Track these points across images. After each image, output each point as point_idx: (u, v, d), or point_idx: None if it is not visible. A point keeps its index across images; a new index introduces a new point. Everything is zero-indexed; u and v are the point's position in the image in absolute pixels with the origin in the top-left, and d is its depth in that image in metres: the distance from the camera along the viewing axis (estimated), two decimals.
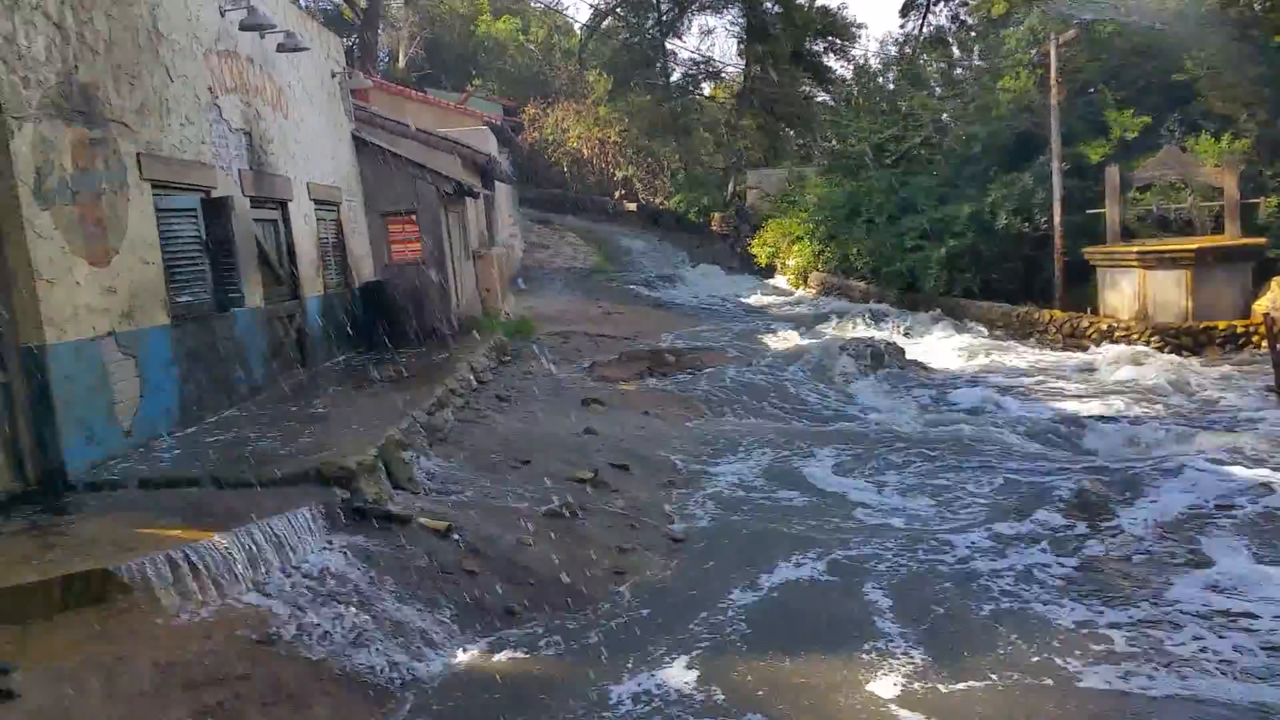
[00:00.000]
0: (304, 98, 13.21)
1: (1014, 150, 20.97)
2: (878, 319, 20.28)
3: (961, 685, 5.51)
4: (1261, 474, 9.07)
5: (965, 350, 17.48)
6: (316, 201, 13.11)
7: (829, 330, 20.29)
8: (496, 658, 5.98)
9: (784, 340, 19.21)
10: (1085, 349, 16.91)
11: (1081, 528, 8.11)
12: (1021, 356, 16.91)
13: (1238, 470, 9.27)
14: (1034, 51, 20.20)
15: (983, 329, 19.37)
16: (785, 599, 6.95)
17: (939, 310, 20.81)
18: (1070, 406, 13.06)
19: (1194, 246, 16.13)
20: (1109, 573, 7.16)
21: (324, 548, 6.33)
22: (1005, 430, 11.73)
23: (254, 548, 5.84)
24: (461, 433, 10.08)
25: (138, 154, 8.23)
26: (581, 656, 6.05)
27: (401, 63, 39.97)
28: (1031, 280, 19.65)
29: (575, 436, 10.76)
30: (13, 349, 6.48)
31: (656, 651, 6.07)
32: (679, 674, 5.78)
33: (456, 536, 7.26)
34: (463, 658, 5.95)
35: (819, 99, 37.54)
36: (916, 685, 5.53)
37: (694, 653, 6.05)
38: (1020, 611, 6.52)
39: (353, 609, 5.87)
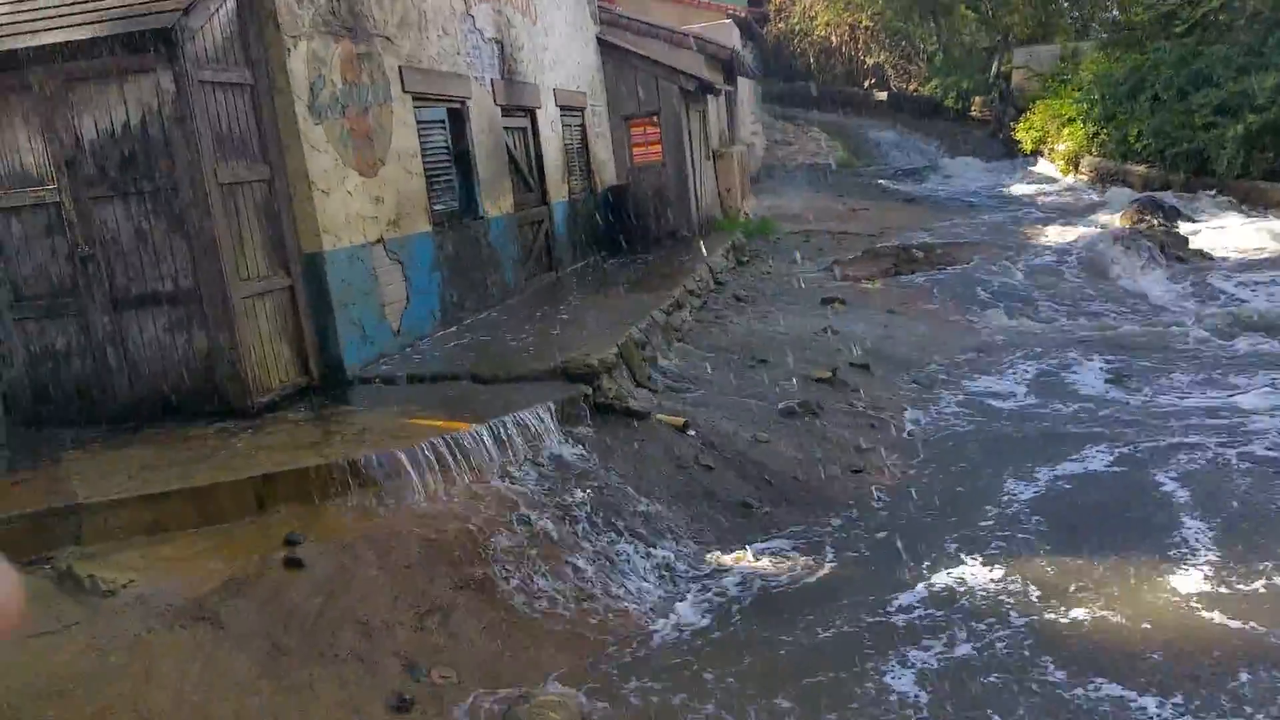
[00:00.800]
0: (551, 3, 13.47)
1: None
2: (1160, 206, 18.19)
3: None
4: None
5: (1264, 239, 15.41)
6: (562, 108, 13.47)
7: (1102, 220, 18.52)
8: (756, 560, 6.08)
9: (1048, 233, 17.76)
10: None
11: None
12: None
13: None
14: None
15: None
16: (1065, 494, 6.62)
17: (1234, 195, 18.39)
18: None
19: None
20: None
21: (567, 440, 6.70)
22: None
23: (507, 439, 6.29)
24: (699, 332, 10.23)
25: (399, 67, 8.77)
26: (856, 559, 6.03)
27: None
28: None
29: (814, 336, 10.61)
30: (295, 255, 7.23)
31: (944, 549, 5.96)
32: (977, 571, 5.62)
33: (693, 432, 7.45)
34: (714, 556, 6.12)
35: None
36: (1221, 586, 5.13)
37: (988, 550, 5.88)
38: None
39: (593, 496, 6.20)
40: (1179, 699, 4.22)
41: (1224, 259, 14.46)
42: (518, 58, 12.00)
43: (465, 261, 9.84)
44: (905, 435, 8.17)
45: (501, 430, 6.27)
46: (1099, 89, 22.86)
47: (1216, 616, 4.87)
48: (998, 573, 5.56)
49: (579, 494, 6.18)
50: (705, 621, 5.29)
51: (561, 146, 13.33)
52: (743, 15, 26.64)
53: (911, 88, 37.36)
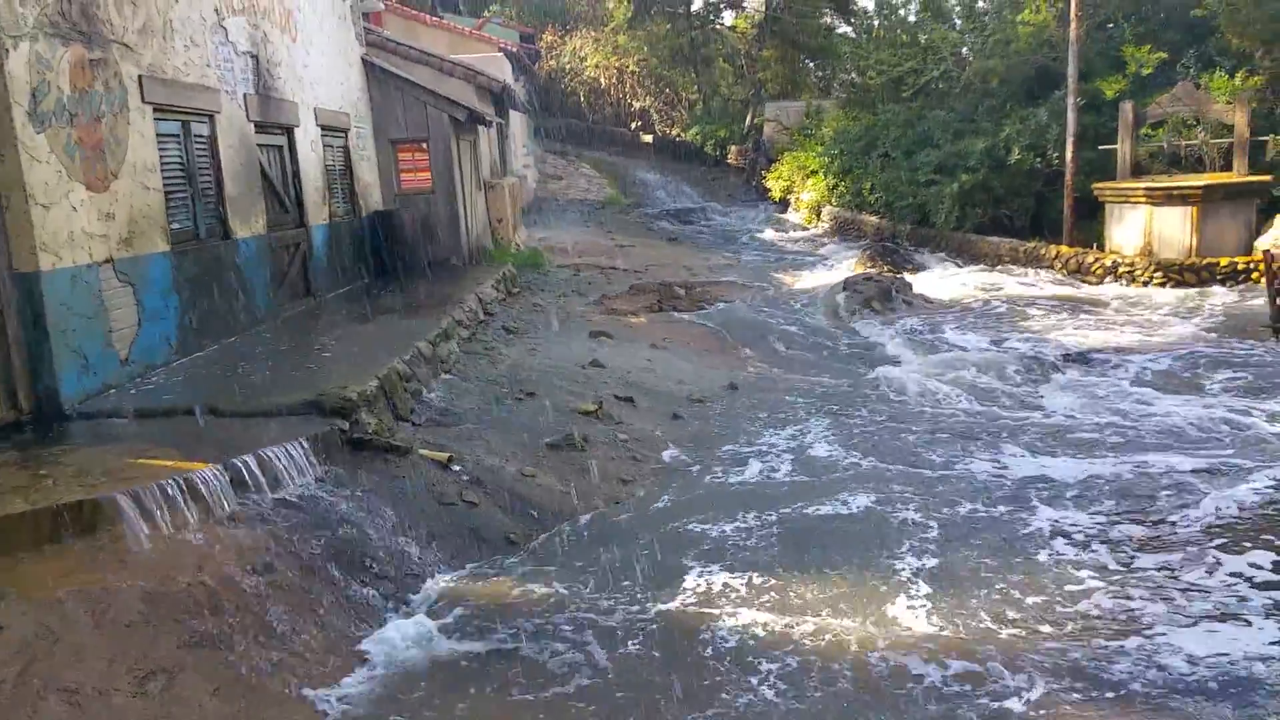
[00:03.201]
0: (314, 21, 12.95)
1: (1031, 85, 20.51)
2: (891, 253, 20.04)
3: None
4: None
5: (971, 285, 17.40)
6: (324, 128, 12.94)
7: (840, 265, 20.10)
8: (493, 580, 6.02)
9: (793, 276, 19.06)
10: (1090, 284, 16.91)
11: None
12: (1026, 290, 16.82)
13: None
14: None
15: (991, 264, 19.23)
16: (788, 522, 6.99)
17: (950, 246, 20.61)
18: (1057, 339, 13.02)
19: (1202, 183, 15.90)
20: None
21: (320, 479, 6.35)
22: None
23: (249, 478, 5.87)
24: (467, 364, 10.07)
25: (139, 76, 8.09)
26: (585, 572, 6.09)
27: None
28: (1041, 216, 19.46)
29: (581, 369, 10.74)
30: (4, 275, 6.44)
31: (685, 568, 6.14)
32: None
33: (458, 468, 7.30)
34: (456, 584, 6.00)
35: (840, 30, 36.60)
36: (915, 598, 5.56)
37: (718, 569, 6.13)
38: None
39: (346, 539, 5.90)
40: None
41: (940, 302, 16.09)
42: (275, 73, 11.42)
43: (208, 285, 9.16)
44: (663, 465, 8.40)
45: (243, 469, 5.85)
46: (838, 145, 24.90)
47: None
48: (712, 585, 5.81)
49: (331, 536, 5.86)
50: (459, 655, 5.14)
51: (323, 168, 12.79)
52: (514, 50, 26.84)
53: (675, 132, 39.07)
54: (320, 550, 5.73)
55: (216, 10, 9.88)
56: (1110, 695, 4.65)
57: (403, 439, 7.32)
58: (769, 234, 25.66)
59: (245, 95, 10.50)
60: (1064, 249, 18.12)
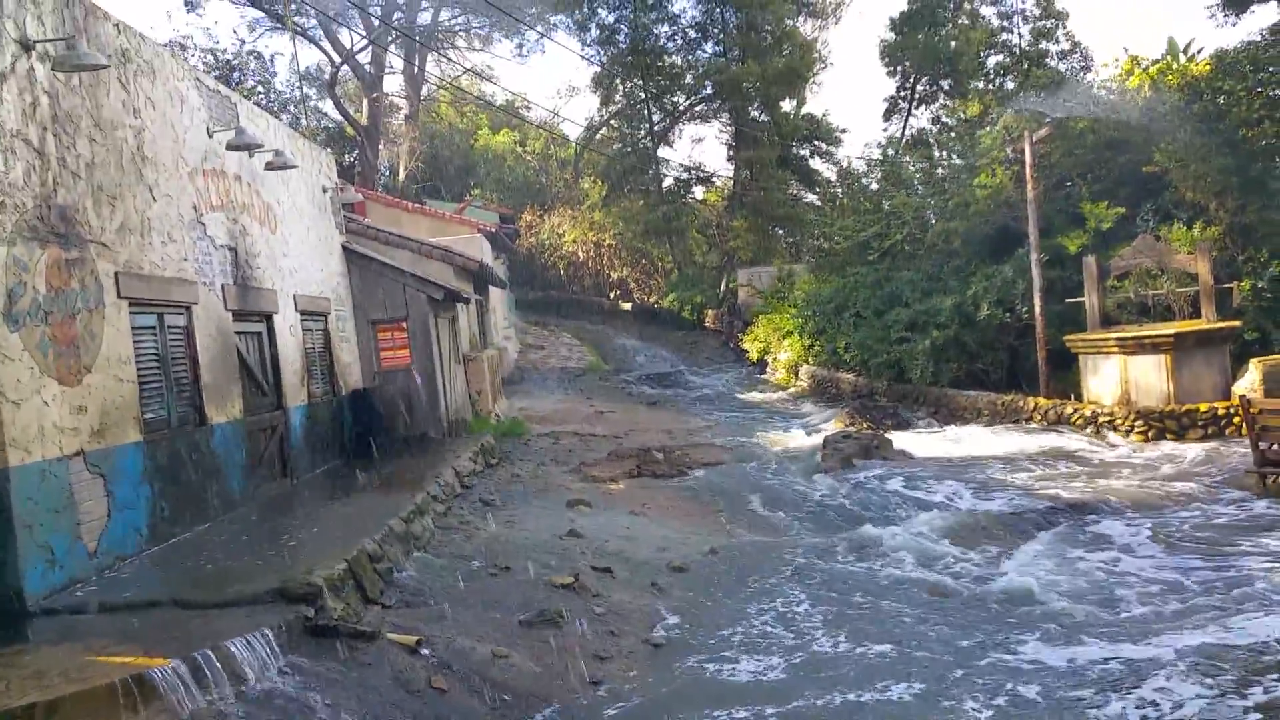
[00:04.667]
0: (293, 213, 13.50)
1: (994, 243, 21.36)
2: (867, 411, 20.27)
3: None
4: None
5: (951, 440, 17.49)
6: (303, 313, 13.26)
7: (819, 423, 20.27)
8: None
9: (773, 437, 19.18)
10: (1069, 433, 17.05)
11: None
12: (1007, 444, 16.88)
13: None
14: (1009, 149, 20.72)
15: (971, 417, 19.42)
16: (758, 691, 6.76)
17: (927, 400, 20.88)
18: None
19: (1172, 331, 16.29)
20: None
21: (283, 670, 6.17)
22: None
23: (209, 673, 5.70)
24: (442, 540, 9.96)
25: (116, 273, 8.36)
26: None
27: (402, 176, 41.03)
28: (1016, 369, 19.81)
29: (558, 540, 10.62)
30: None
31: None
32: None
33: (427, 651, 7.11)
34: None
35: (806, 199, 38.37)
36: None
37: None
38: None
39: None
40: None
41: (921, 459, 16.14)
42: (253, 264, 11.81)
43: (182, 472, 9.16)
44: (642, 641, 8.20)
45: (203, 664, 5.69)
46: (810, 306, 25.64)
47: None
48: None
49: None
50: None
51: (301, 351, 13.03)
52: (493, 230, 27.91)
53: (652, 299, 40.16)
54: None
55: (195, 207, 10.31)
56: None
57: (370, 623, 7.15)
58: (747, 395, 25.97)
59: (223, 286, 10.82)
60: (1042, 401, 18.37)
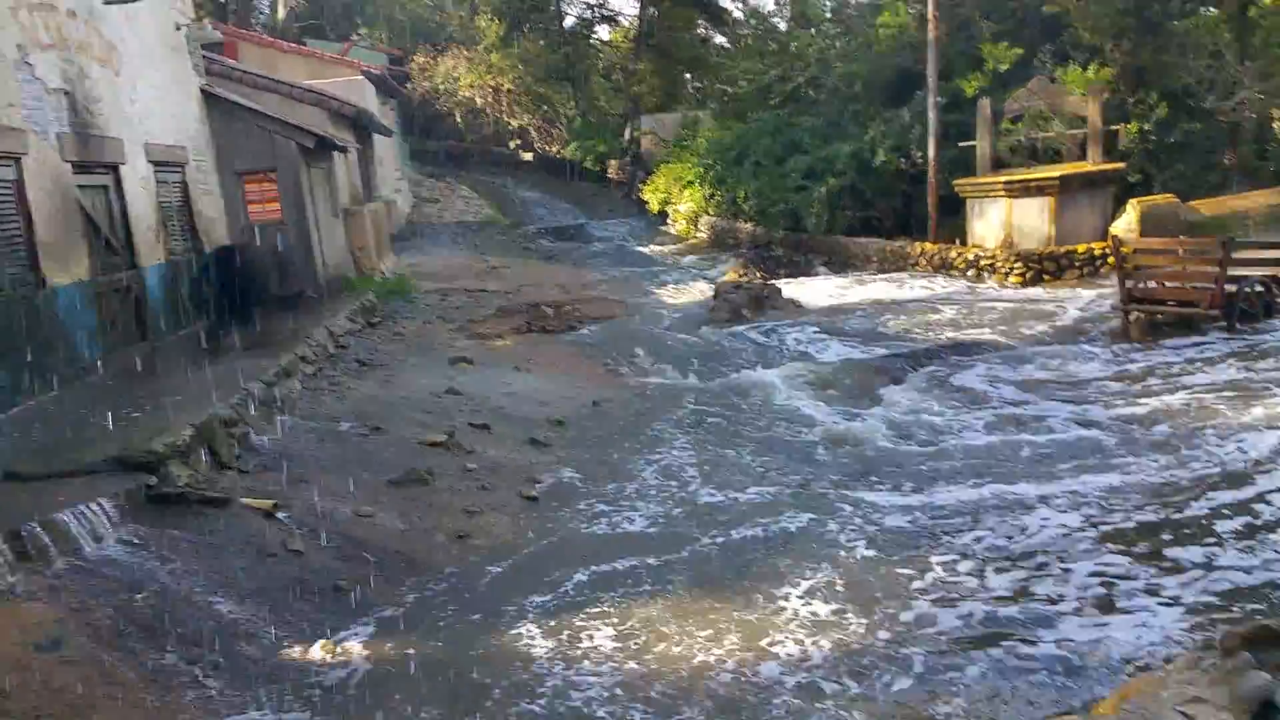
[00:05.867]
0: (141, 53, 12.28)
1: (895, 87, 21.01)
2: (763, 260, 20.26)
3: None
4: None
5: (841, 287, 17.69)
6: (157, 164, 12.29)
7: (715, 274, 20.21)
8: (337, 650, 5.66)
9: (668, 288, 19.08)
10: (954, 278, 17.37)
11: None
12: (892, 291, 17.14)
13: None
14: None
15: (862, 265, 19.61)
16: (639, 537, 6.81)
17: (821, 249, 20.95)
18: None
19: (1058, 174, 16.45)
20: None
21: (123, 540, 5.91)
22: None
23: (35, 547, 5.40)
24: (310, 403, 9.65)
25: None
26: (430, 633, 5.78)
27: (281, 14, 37.99)
28: (909, 216, 19.91)
29: (436, 398, 10.40)
30: None
31: (506, 615, 5.87)
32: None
33: (284, 515, 6.92)
34: (287, 651, 5.62)
35: (715, 41, 37.04)
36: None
37: (566, 608, 5.87)
38: None
39: (147, 604, 5.48)
40: None
41: (811, 307, 16.28)
42: (95, 111, 10.77)
43: (17, 338, 8.53)
44: (516, 494, 8.16)
45: (28, 537, 5.38)
46: (711, 155, 25.12)
47: None
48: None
49: (129, 603, 5.43)
50: None
51: (156, 205, 12.14)
52: (378, 72, 26.29)
53: (554, 150, 38.90)
54: (114, 619, 5.30)
55: (19, 46, 9.25)
56: None
57: (224, 489, 6.91)
58: (647, 247, 25.70)
59: (59, 135, 9.85)
60: (929, 246, 18.58)
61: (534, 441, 9.51)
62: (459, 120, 40.80)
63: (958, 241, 18.24)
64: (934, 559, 6.17)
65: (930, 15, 17.90)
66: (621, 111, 37.34)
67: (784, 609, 5.60)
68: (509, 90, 38.84)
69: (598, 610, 5.80)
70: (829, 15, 25.87)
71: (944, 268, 17.97)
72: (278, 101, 16.46)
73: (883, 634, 5.26)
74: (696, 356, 13.54)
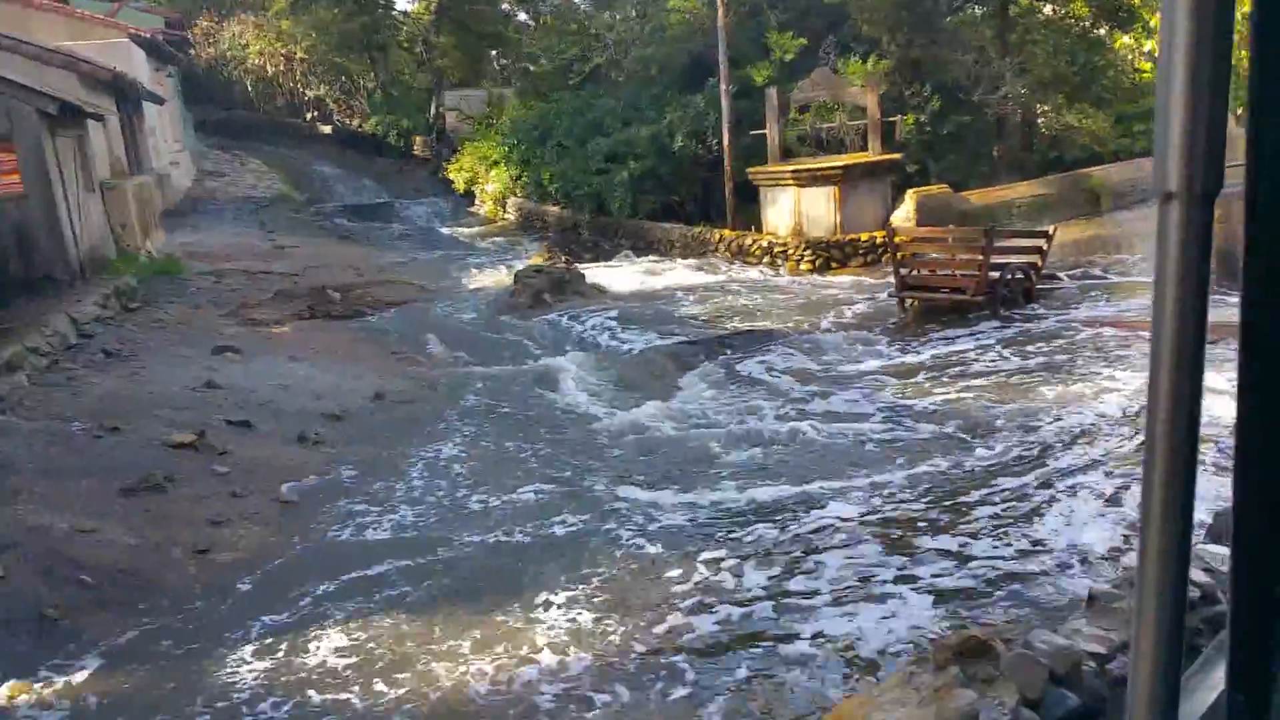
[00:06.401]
0: None
1: (691, 72, 21.14)
2: (568, 244, 20.03)
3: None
4: None
5: (643, 272, 17.70)
6: None
7: (520, 258, 19.78)
8: (32, 690, 4.94)
9: (469, 271, 18.53)
10: (750, 265, 17.73)
11: None
12: (692, 276, 17.32)
13: None
14: None
15: (665, 250, 19.73)
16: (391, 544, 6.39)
17: (626, 233, 20.92)
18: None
19: (841, 164, 17.03)
20: None
21: None
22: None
23: None
24: (39, 400, 8.61)
25: None
26: (145, 667, 5.15)
27: None
28: (710, 202, 20.12)
29: (192, 392, 9.53)
30: None
31: (268, 630, 5.32)
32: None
33: None
34: None
35: (520, 18, 36.29)
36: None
37: (311, 626, 5.38)
38: None
39: None
40: None
41: (612, 292, 16.17)
42: None
43: None
44: (271, 499, 7.53)
45: None
46: (515, 134, 24.57)
47: None
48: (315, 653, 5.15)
49: None
50: None
51: None
52: (149, 35, 24.09)
53: (355, 123, 37.13)
54: None
55: None
56: None
57: None
58: (452, 228, 24.91)
59: None
60: (727, 233, 18.86)
61: (302, 439, 8.86)
62: (250, 89, 38.27)
63: (754, 229, 18.61)
64: (703, 558, 6.08)
65: (720, 1, 18.08)
66: (427, 86, 36.03)
67: (545, 618, 5.35)
68: (302, 59, 36.74)
69: (337, 626, 5.36)
70: None
71: (741, 254, 18.29)
72: (21, 63, 14.71)
73: (645, 640, 5.11)
74: (492, 344, 13.15)
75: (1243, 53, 0.55)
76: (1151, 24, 19.83)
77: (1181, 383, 0.57)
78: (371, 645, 5.14)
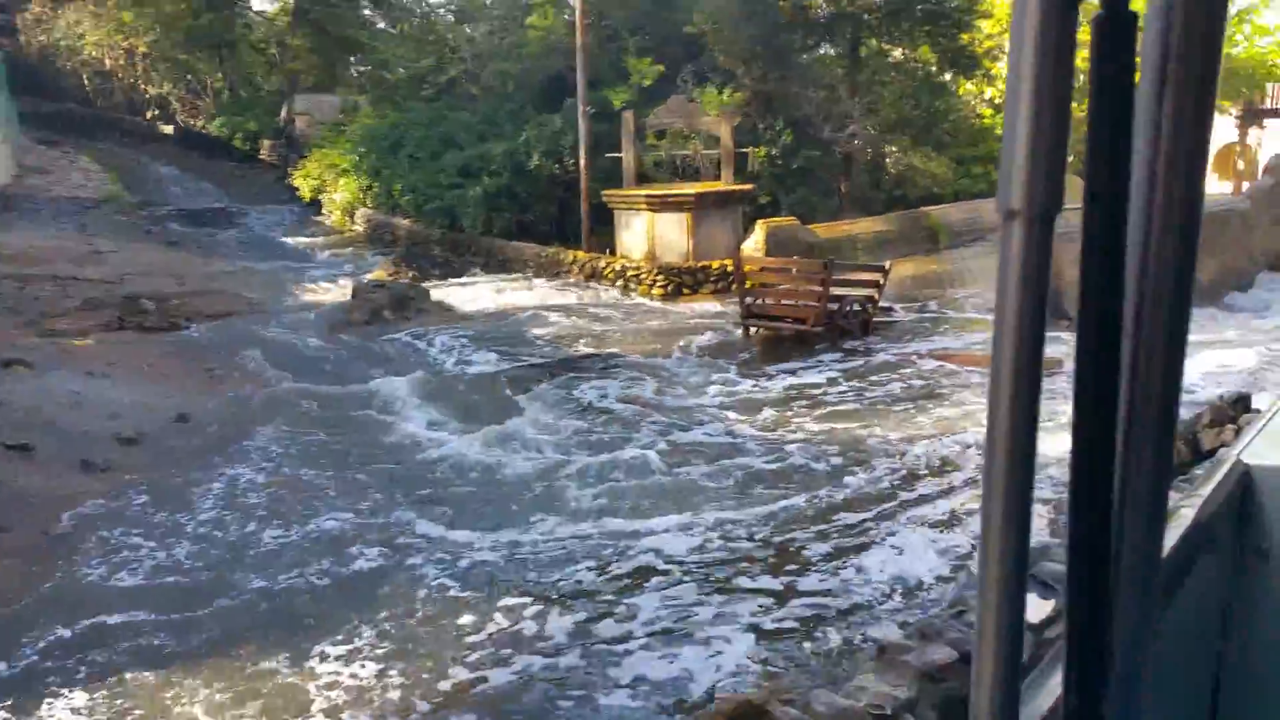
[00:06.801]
0: None
1: (549, 90, 20.93)
2: (416, 259, 19.39)
3: None
4: None
5: (493, 292, 17.28)
6: None
7: (365, 272, 19.00)
8: None
9: (308, 284, 17.65)
10: (604, 287, 17.57)
11: None
12: (544, 297, 17.01)
13: None
14: None
15: (519, 269, 19.36)
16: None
17: (479, 250, 20.45)
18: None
19: (694, 191, 17.12)
20: None
21: None
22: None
23: None
24: None
25: None
26: None
27: None
28: (566, 222, 19.88)
29: None
30: None
31: None
32: None
33: None
34: None
35: (381, 25, 35.31)
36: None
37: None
38: None
39: None
40: None
41: (459, 311, 15.67)
42: None
43: None
44: (42, 533, 6.75)
45: None
46: (366, 143, 23.73)
47: None
48: None
49: None
50: None
51: None
52: None
53: (200, 124, 35.25)
54: None
55: None
56: None
57: None
58: (295, 238, 23.76)
59: None
60: (581, 255, 18.64)
61: (87, 465, 8.07)
62: (86, 83, 35.83)
63: (609, 251, 18.47)
64: (507, 603, 5.73)
65: (579, 22, 17.96)
66: (278, 89, 34.56)
67: (321, 671, 4.88)
68: (144, 54, 34.67)
69: (73, 684, 4.74)
70: (495, 11, 25.27)
71: (595, 277, 18.10)
72: None
73: (430, 695, 4.71)
74: (321, 362, 12.46)
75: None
76: (993, 72, 20.91)
77: (1022, 384, 0.59)
78: (108, 707, 4.55)
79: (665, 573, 6.30)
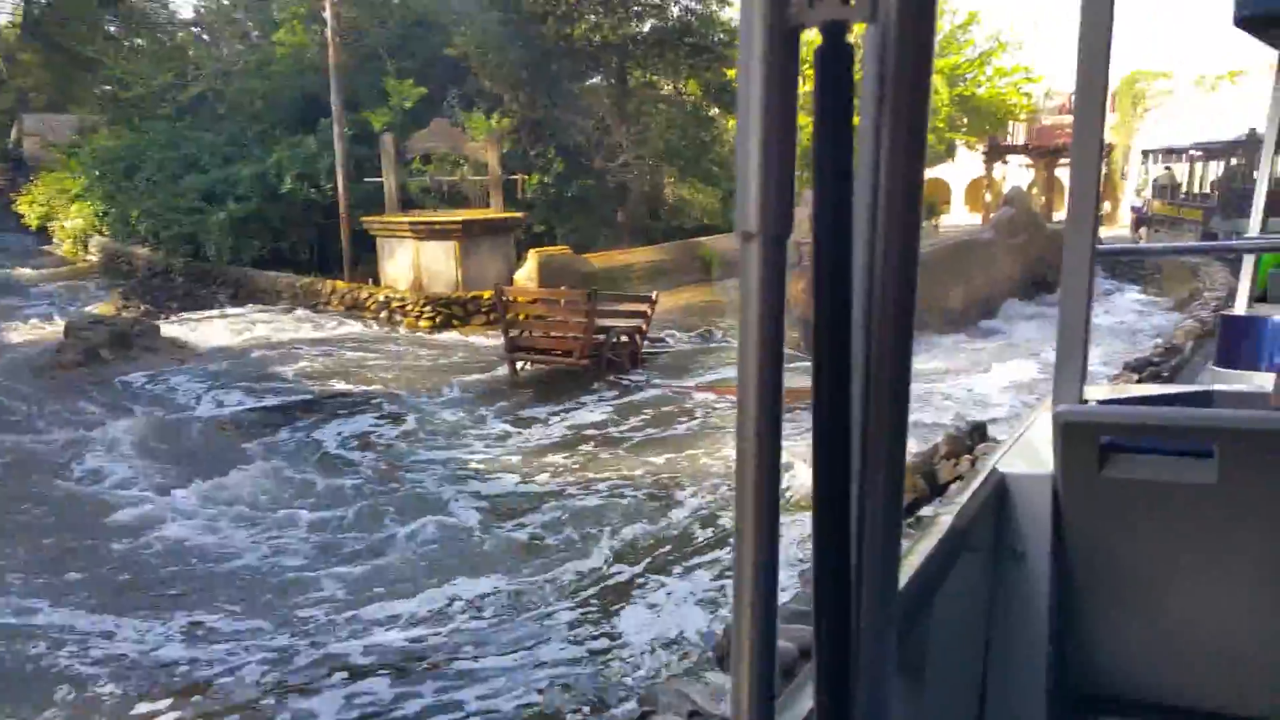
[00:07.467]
0: None
1: (302, 111, 19.55)
2: (151, 292, 17.44)
3: None
4: None
5: (239, 327, 15.72)
6: None
7: (92, 306, 16.87)
8: None
9: (19, 323, 15.43)
10: (365, 320, 16.42)
11: None
12: (297, 332, 15.63)
13: None
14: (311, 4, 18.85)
15: (273, 301, 17.82)
16: None
17: (227, 280, 18.72)
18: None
19: (461, 218, 16.34)
20: None
21: None
22: None
23: None
24: None
25: None
26: None
27: None
28: (327, 250, 18.54)
29: None
30: None
31: None
32: None
33: None
34: None
35: (135, 43, 32.29)
36: None
37: None
38: None
39: None
40: None
41: (195, 348, 14.09)
42: None
43: None
44: None
45: None
46: (99, 165, 21.36)
47: None
48: None
49: None
50: None
51: None
52: None
53: None
54: None
55: None
56: None
57: None
58: (17, 270, 21.03)
59: None
60: (340, 285, 17.41)
61: None
62: None
63: (373, 281, 17.31)
64: (140, 710, 4.67)
65: (330, 40, 16.82)
66: (7, 107, 30.89)
67: None
68: None
69: None
70: (239, 17, 23.30)
71: (356, 308, 16.89)
72: None
73: None
74: (9, 411, 10.67)
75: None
76: None
77: (766, 383, 0.61)
78: None
79: (356, 666, 5.39)
